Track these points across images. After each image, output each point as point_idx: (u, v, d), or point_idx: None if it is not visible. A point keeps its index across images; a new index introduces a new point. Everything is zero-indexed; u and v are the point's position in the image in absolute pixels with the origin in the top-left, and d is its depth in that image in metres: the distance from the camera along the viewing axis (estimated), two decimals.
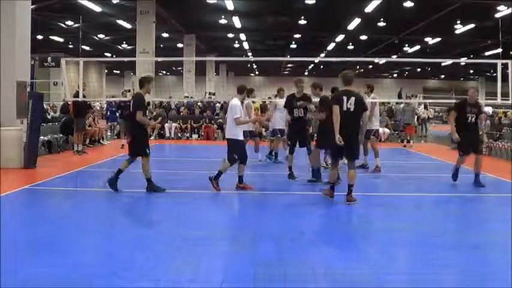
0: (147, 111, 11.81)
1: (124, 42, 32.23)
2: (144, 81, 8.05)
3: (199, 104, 22.27)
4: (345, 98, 7.04)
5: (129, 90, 27.55)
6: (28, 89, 11.12)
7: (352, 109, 7.02)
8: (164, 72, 53.67)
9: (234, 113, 7.91)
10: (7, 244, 4.87)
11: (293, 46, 32.99)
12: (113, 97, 27.70)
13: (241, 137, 8.12)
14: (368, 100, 9.86)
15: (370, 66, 45.22)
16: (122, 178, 7.85)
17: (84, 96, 13.92)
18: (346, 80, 7.30)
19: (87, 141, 15.33)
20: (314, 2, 20.03)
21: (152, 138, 18.96)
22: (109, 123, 18.64)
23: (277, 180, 9.52)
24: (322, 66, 45.55)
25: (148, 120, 8.51)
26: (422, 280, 4.23)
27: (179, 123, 20.09)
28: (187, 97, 26.36)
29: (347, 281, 4.14)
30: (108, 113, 18.45)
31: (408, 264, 4.87)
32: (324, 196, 7.34)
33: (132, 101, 8.08)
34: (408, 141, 18.20)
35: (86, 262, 4.57)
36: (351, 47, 32.52)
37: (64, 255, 4.72)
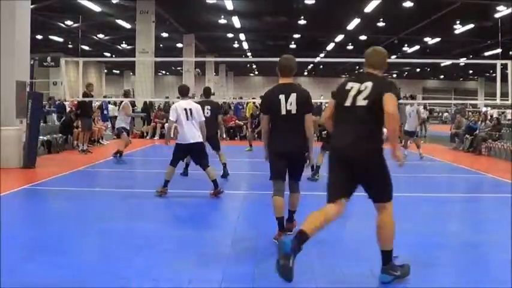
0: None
1: (123, 42, 32.23)
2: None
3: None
4: (281, 97, 4.93)
5: (129, 90, 27.61)
6: (27, 89, 11.12)
7: (293, 111, 4.93)
8: (164, 72, 53.68)
9: (202, 115, 7.61)
10: (7, 244, 4.87)
11: (293, 46, 33.00)
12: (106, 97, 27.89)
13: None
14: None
15: None
16: (122, 178, 7.83)
17: (92, 96, 14.05)
18: (284, 68, 5.05)
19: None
20: (314, 2, 20.04)
21: (156, 138, 19.07)
22: (105, 123, 18.81)
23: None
24: (321, 67, 45.59)
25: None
26: (422, 280, 4.23)
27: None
28: (191, 97, 26.44)
29: (347, 281, 4.14)
30: (105, 112, 18.58)
31: (408, 264, 4.87)
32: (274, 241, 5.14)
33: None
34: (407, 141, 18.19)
35: (85, 262, 4.56)
36: (350, 47, 32.53)
37: (64, 255, 4.72)
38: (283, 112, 4.93)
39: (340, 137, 4.02)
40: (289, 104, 4.92)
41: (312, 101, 5.31)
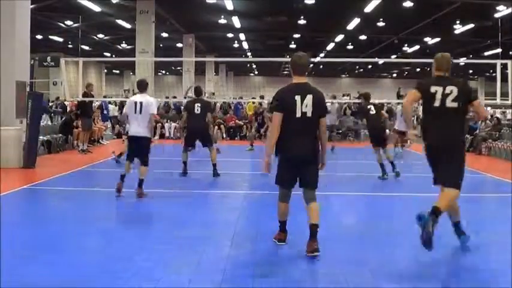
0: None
1: (123, 42, 32.20)
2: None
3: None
4: (297, 98, 4.67)
5: (129, 90, 27.59)
6: (27, 89, 11.13)
7: (308, 113, 4.68)
8: (163, 72, 53.67)
9: (153, 109, 7.50)
10: (7, 244, 4.87)
11: (292, 46, 32.98)
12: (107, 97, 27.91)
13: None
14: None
15: (370, 67, 45.23)
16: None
17: (92, 96, 14.05)
18: (298, 66, 4.85)
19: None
20: (314, 2, 20.02)
21: (156, 137, 19.09)
22: (105, 123, 18.87)
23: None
24: (321, 66, 45.56)
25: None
26: (422, 280, 4.23)
27: (178, 123, 20.12)
28: (191, 97, 26.45)
29: (347, 281, 4.14)
30: (105, 112, 18.64)
31: (408, 264, 4.87)
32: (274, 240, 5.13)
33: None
34: (406, 141, 18.20)
35: (85, 262, 4.56)
36: (350, 47, 32.52)
37: (64, 255, 4.72)
38: (298, 114, 4.62)
39: (440, 133, 4.84)
40: (304, 106, 4.63)
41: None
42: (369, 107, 10.16)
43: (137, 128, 7.41)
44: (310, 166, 4.78)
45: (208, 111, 9.76)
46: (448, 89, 4.68)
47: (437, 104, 4.72)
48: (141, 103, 7.37)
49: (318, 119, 4.72)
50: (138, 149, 7.49)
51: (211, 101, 13.28)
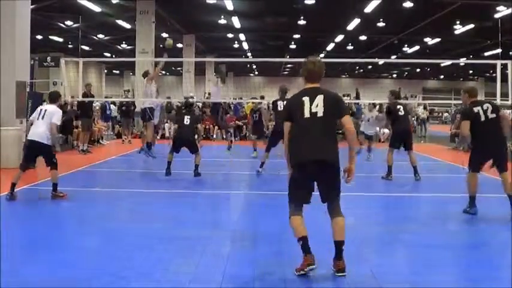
0: None
1: (123, 42, 32.19)
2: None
3: (199, 104, 22.28)
4: (306, 99, 4.26)
5: (129, 90, 27.58)
6: (27, 89, 11.13)
7: (320, 113, 4.21)
8: (164, 72, 53.65)
9: (56, 119, 7.36)
10: (7, 244, 4.87)
11: (292, 46, 32.97)
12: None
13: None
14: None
15: (370, 67, 45.23)
16: (122, 178, 7.84)
17: (93, 96, 14.05)
18: (312, 74, 4.40)
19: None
20: (314, 2, 20.01)
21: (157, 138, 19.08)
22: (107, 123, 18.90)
23: (278, 180, 9.50)
24: None
25: None
26: (422, 280, 4.23)
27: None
28: (192, 97, 26.53)
29: (347, 281, 4.14)
30: (107, 112, 18.67)
31: (408, 264, 4.87)
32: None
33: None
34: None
35: (85, 262, 4.56)
36: (350, 47, 32.52)
37: (64, 255, 4.72)
38: (307, 115, 4.16)
39: (490, 137, 6.49)
40: (315, 106, 4.17)
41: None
42: (398, 107, 9.82)
43: (34, 131, 7.34)
44: (327, 172, 4.16)
45: (197, 123, 10.47)
46: (485, 106, 6.50)
47: (483, 119, 6.44)
48: (45, 110, 7.43)
49: (333, 119, 4.21)
50: (31, 151, 7.45)
51: (199, 115, 13.98)
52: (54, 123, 7.31)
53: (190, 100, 12.17)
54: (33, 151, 7.44)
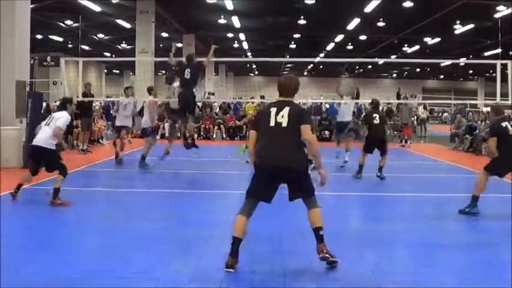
0: None
1: (123, 41, 32.19)
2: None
3: (198, 104, 22.30)
4: (273, 110, 4.56)
5: (131, 87, 27.59)
6: (27, 89, 11.12)
7: (284, 124, 4.48)
8: (164, 72, 53.66)
9: (62, 122, 7.32)
10: (7, 244, 4.87)
11: (292, 46, 32.98)
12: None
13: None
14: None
15: (370, 67, 45.23)
16: (122, 178, 7.84)
17: (92, 96, 14.03)
18: (283, 88, 4.73)
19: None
20: (314, 2, 20.01)
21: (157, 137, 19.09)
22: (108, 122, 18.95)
23: None
24: (321, 67, 45.55)
25: None
26: (422, 280, 4.23)
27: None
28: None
29: (347, 281, 4.14)
30: (111, 112, 18.76)
31: (408, 264, 4.87)
32: None
33: None
34: (406, 141, 18.20)
35: (85, 262, 4.56)
36: (350, 47, 32.52)
37: (64, 255, 4.72)
38: (272, 124, 4.48)
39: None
40: (280, 117, 4.47)
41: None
42: (374, 115, 10.19)
43: (38, 137, 7.32)
44: (291, 177, 4.48)
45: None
46: (510, 124, 6.95)
47: (511, 132, 6.77)
48: (53, 118, 7.40)
49: (296, 129, 4.43)
50: (35, 156, 7.39)
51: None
52: (57, 126, 7.24)
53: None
54: (36, 156, 7.38)
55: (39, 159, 7.33)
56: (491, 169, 6.93)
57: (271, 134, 4.49)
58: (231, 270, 4.28)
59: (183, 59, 10.48)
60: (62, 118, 7.35)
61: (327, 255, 4.38)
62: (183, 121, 10.48)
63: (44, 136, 7.21)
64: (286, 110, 4.49)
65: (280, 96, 4.69)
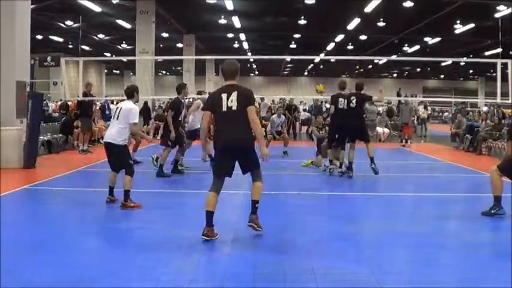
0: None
1: (124, 42, 32.21)
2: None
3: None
4: (223, 96, 5.24)
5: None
6: (28, 89, 11.12)
7: (234, 107, 5.18)
8: (164, 72, 53.69)
9: (133, 118, 6.93)
10: (7, 244, 4.87)
11: (293, 46, 32.99)
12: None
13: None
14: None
15: (370, 66, 45.22)
16: (121, 178, 7.82)
17: (92, 96, 14.02)
18: (226, 72, 5.46)
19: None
20: (314, 2, 20.02)
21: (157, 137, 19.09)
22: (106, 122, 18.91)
23: (278, 180, 9.51)
24: (321, 66, 45.57)
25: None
26: (422, 280, 4.23)
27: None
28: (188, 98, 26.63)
29: (347, 281, 4.14)
30: (107, 112, 18.67)
31: (408, 264, 4.87)
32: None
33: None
34: (406, 141, 18.20)
35: (85, 262, 4.57)
36: (350, 47, 32.53)
37: (64, 255, 4.72)
38: (224, 109, 5.18)
39: None
40: (230, 101, 5.18)
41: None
42: (339, 99, 9.13)
43: (108, 133, 7.12)
44: (246, 152, 5.27)
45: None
46: None
47: None
48: (120, 109, 7.06)
49: (244, 110, 5.16)
50: (110, 154, 7.11)
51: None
52: (131, 123, 6.90)
53: None
54: (108, 152, 7.11)
55: (110, 154, 7.08)
56: (506, 170, 6.50)
57: (225, 119, 5.22)
58: (206, 238, 5.06)
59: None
60: (131, 112, 6.93)
61: (254, 225, 5.28)
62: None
63: (113, 131, 6.97)
64: (234, 94, 5.20)
65: (226, 80, 5.39)
